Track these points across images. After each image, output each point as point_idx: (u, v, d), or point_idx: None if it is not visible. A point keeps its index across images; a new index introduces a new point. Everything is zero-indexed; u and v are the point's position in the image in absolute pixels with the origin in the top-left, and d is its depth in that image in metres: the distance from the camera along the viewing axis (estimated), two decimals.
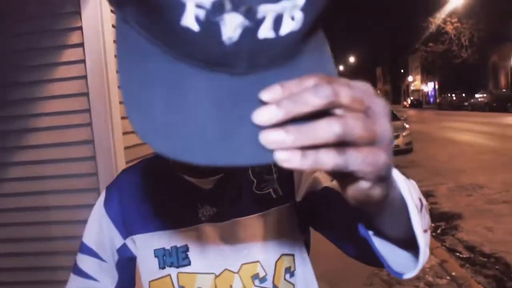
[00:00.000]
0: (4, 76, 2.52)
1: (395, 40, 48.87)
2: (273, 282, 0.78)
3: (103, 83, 2.40)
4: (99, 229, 0.85)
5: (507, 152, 9.56)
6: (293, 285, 0.81)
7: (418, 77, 49.94)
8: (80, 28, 2.39)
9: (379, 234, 0.52)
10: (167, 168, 0.83)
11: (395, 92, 60.14)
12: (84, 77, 2.41)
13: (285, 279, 0.80)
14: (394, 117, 12.06)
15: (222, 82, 0.35)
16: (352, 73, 78.82)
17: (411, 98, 49.69)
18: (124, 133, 2.59)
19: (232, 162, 0.33)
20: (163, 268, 0.80)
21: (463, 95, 31.87)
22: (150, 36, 0.36)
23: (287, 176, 0.81)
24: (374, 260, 0.54)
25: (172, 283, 0.79)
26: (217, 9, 0.32)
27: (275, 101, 0.32)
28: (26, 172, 2.55)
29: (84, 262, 0.86)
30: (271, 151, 0.31)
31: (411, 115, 28.05)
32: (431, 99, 45.35)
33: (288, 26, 0.34)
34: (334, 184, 0.74)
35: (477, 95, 28.00)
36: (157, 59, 0.36)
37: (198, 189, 0.80)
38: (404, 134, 11.00)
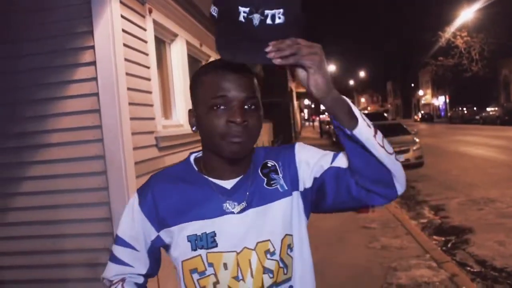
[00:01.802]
0: (18, 94, 2.61)
1: (406, 54, 48.88)
2: (280, 255, 1.02)
3: (114, 100, 2.47)
4: (132, 224, 1.07)
5: None
6: (292, 258, 1.05)
7: (429, 91, 49.79)
8: (93, 47, 2.47)
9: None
10: (193, 173, 1.08)
11: (405, 106, 60.00)
12: (96, 94, 2.49)
13: (287, 253, 1.03)
14: (404, 132, 12.02)
15: (250, 33, 0.86)
16: (363, 87, 78.69)
17: (422, 112, 49.49)
18: (134, 149, 2.65)
19: (249, 61, 0.95)
20: (195, 250, 1.01)
21: (474, 108, 31.68)
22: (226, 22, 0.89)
23: (292, 175, 1.08)
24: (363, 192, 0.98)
25: (202, 261, 1.01)
26: (250, 13, 0.85)
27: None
28: (38, 186, 2.62)
29: (120, 252, 1.10)
30: (270, 59, 0.85)
31: (422, 129, 27.91)
32: (442, 113, 45.10)
33: (277, 20, 0.85)
34: (333, 164, 1.04)
35: (488, 109, 27.82)
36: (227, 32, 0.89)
37: (222, 188, 1.04)
38: (414, 148, 10.93)
